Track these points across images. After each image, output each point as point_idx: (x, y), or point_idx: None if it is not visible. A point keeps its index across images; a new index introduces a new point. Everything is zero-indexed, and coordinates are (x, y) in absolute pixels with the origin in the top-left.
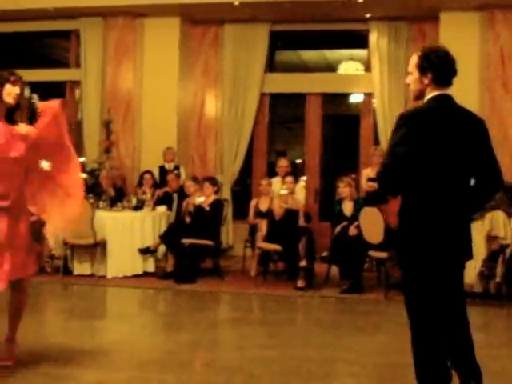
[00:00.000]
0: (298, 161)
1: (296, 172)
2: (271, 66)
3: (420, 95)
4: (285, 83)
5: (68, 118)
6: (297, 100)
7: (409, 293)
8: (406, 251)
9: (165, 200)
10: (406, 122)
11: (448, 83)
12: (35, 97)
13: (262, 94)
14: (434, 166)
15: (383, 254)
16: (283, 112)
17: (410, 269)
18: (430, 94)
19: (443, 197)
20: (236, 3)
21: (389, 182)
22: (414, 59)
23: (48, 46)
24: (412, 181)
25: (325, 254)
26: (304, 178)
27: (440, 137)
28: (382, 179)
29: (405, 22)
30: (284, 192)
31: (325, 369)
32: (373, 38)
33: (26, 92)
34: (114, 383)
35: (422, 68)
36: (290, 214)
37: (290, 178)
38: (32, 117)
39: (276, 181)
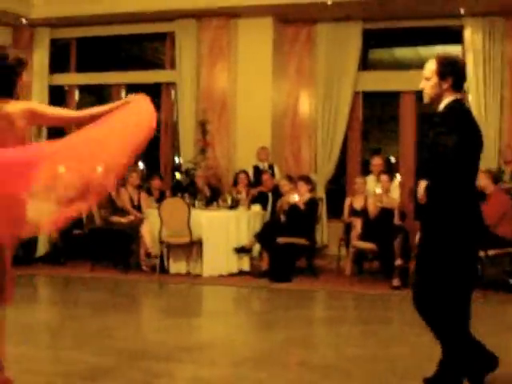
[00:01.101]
0: (393, 159)
1: (390, 170)
2: (364, 64)
3: (436, 99)
4: (378, 81)
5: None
6: (390, 98)
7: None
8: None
9: (260, 199)
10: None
11: (462, 89)
12: None
13: (356, 93)
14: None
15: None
16: (377, 110)
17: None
18: (448, 98)
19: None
20: (329, 2)
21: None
22: (431, 65)
23: (144, 49)
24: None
25: None
26: (398, 176)
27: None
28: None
29: (500, 18)
30: (379, 191)
31: (421, 368)
32: (467, 34)
33: None
34: (210, 380)
35: (442, 73)
36: (385, 213)
37: (384, 177)
38: None
39: (370, 179)
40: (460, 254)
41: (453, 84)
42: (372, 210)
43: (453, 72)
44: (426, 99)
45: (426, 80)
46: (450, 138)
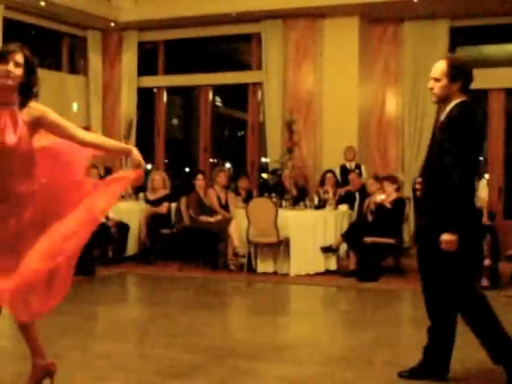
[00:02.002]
0: (481, 158)
1: (479, 169)
2: None
3: (444, 100)
4: None
5: None
6: (479, 96)
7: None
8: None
9: (346, 199)
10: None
11: (470, 91)
12: None
13: None
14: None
15: None
16: None
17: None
18: (457, 99)
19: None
20: (415, 0)
21: None
22: (441, 66)
23: (231, 50)
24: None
25: (510, 252)
26: (487, 175)
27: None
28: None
29: None
30: None
31: None
32: None
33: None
34: (297, 378)
35: (453, 76)
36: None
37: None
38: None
39: None
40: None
41: (462, 86)
42: None
43: (463, 75)
44: (434, 99)
45: (436, 81)
46: (456, 147)
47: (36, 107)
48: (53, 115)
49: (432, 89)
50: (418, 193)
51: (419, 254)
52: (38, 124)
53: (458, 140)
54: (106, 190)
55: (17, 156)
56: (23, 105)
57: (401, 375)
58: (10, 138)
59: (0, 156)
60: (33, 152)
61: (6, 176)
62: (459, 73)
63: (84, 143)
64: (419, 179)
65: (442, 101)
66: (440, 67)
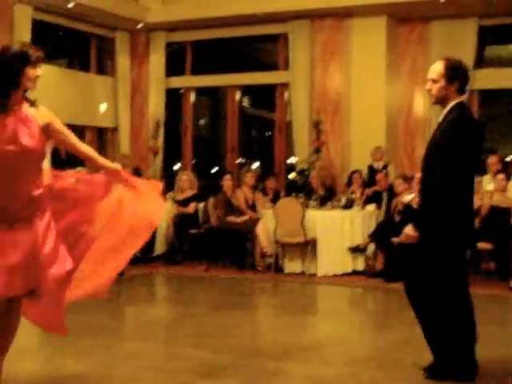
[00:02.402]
0: (509, 158)
1: (506, 169)
2: (480, 61)
3: (442, 101)
4: (494, 79)
5: None
6: (507, 96)
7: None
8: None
9: (374, 199)
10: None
11: (465, 92)
12: None
13: (471, 91)
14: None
15: None
16: (493, 108)
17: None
18: (454, 100)
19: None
20: (441, 0)
21: None
22: (439, 67)
23: (258, 50)
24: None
25: None
26: None
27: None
28: None
29: None
30: (491, 188)
31: None
32: None
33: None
34: (324, 378)
35: (450, 77)
36: (501, 213)
37: (500, 176)
38: None
39: (487, 178)
40: (451, 250)
41: (458, 88)
42: (484, 207)
43: (459, 76)
44: (433, 100)
45: (434, 82)
46: (455, 148)
47: (47, 113)
48: (59, 122)
49: (430, 90)
50: (417, 187)
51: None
52: (47, 130)
53: (457, 141)
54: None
55: (35, 157)
56: (32, 105)
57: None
58: (28, 141)
59: (21, 158)
60: (45, 154)
61: (27, 178)
62: (456, 74)
63: (79, 152)
64: (418, 175)
65: (440, 102)
66: (437, 69)
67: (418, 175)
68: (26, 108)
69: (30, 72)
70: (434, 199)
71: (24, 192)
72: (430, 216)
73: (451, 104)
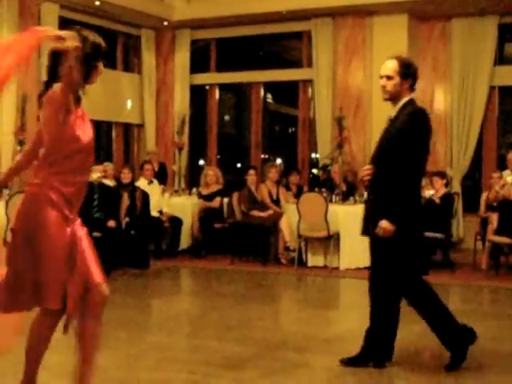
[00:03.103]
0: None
1: None
2: (500, 58)
3: (395, 98)
4: None
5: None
6: None
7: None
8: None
9: None
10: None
11: (415, 90)
12: None
13: (491, 87)
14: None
15: None
16: None
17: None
18: (406, 97)
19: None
20: None
21: None
22: (393, 64)
23: (281, 47)
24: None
25: None
26: None
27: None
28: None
29: None
30: (511, 179)
31: None
32: None
33: None
34: (347, 370)
35: (404, 74)
36: None
37: None
38: None
39: (506, 174)
40: (408, 240)
41: (411, 85)
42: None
43: (412, 74)
44: (387, 96)
45: (388, 79)
46: (418, 140)
47: None
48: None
49: (384, 86)
50: (366, 179)
51: (372, 241)
52: None
53: (419, 133)
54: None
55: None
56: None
57: (341, 362)
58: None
59: (88, 153)
60: None
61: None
62: (409, 71)
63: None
64: (368, 166)
65: (393, 98)
66: (392, 66)
67: (368, 167)
68: None
69: (100, 66)
70: (400, 190)
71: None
72: (389, 207)
73: (404, 100)
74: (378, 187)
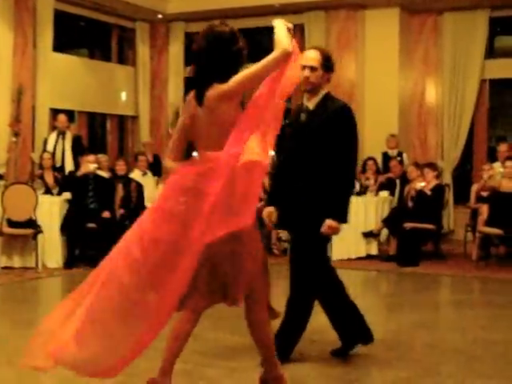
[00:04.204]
0: None
1: None
2: (491, 51)
3: (314, 89)
4: (505, 69)
5: None
6: None
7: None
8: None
9: (388, 185)
10: None
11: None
12: None
13: (482, 80)
14: None
15: None
16: (504, 97)
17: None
18: (324, 90)
19: None
20: None
21: None
22: (316, 55)
23: (274, 40)
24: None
25: None
26: None
27: None
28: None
29: None
30: (501, 170)
31: None
32: None
33: None
34: (340, 359)
35: (327, 67)
36: (510, 198)
37: (510, 163)
38: None
39: (497, 166)
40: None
41: (329, 78)
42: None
43: (332, 66)
44: (308, 87)
45: (313, 70)
46: (348, 140)
47: None
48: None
49: (308, 77)
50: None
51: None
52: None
53: (348, 133)
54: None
55: None
56: None
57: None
58: None
59: None
60: None
61: None
62: (330, 64)
63: None
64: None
65: (313, 90)
66: (316, 57)
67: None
68: None
69: None
70: (340, 186)
71: None
72: (335, 204)
73: (323, 93)
74: (310, 183)
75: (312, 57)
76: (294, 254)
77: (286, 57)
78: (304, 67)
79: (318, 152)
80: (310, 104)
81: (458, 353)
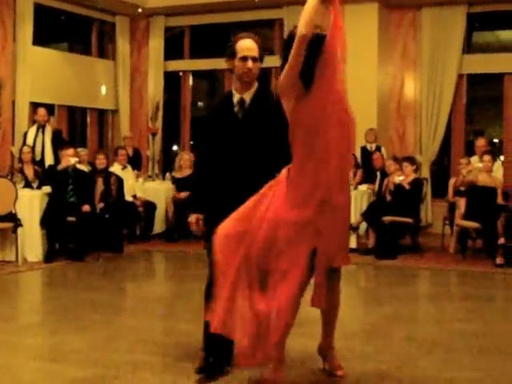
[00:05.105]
0: (496, 140)
1: (494, 151)
2: (468, 47)
3: (253, 81)
4: (482, 64)
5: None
6: (494, 80)
7: None
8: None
9: (366, 179)
10: None
11: None
12: None
13: (460, 75)
14: None
15: None
16: (481, 92)
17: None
18: (256, 82)
19: None
20: None
21: None
22: (255, 45)
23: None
24: None
25: None
26: (502, 157)
27: None
28: None
29: None
30: (479, 165)
31: None
32: None
33: None
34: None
35: (262, 57)
36: (488, 192)
37: (487, 157)
38: None
39: (475, 160)
40: None
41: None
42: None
43: (263, 57)
44: (250, 80)
45: (255, 61)
46: (285, 135)
47: None
48: None
49: (251, 69)
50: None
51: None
52: None
53: (285, 126)
54: None
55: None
56: None
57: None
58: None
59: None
60: None
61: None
62: (263, 54)
63: None
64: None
65: (252, 82)
66: (255, 47)
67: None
68: None
69: None
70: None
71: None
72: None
73: (256, 85)
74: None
75: (253, 47)
76: None
77: (301, 40)
78: (246, 58)
79: (259, 149)
80: (246, 96)
81: (436, 345)
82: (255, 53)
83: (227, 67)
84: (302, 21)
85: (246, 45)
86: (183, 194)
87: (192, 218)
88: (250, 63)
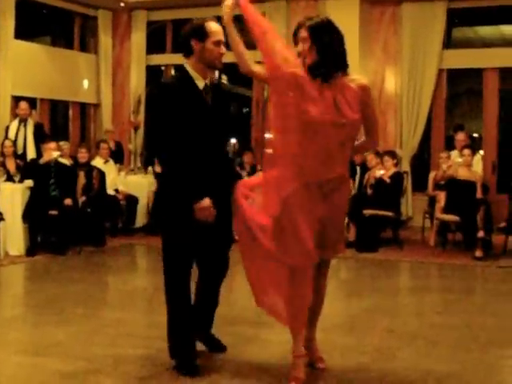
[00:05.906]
0: (476, 134)
1: (473, 145)
2: (448, 42)
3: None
4: (462, 59)
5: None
6: (474, 75)
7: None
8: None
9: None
10: None
11: None
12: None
13: (440, 70)
14: None
15: None
16: (461, 87)
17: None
18: None
19: None
20: None
21: None
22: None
23: (237, 30)
24: None
25: (502, 224)
26: (481, 151)
27: None
28: None
29: None
30: (459, 160)
31: (503, 336)
32: None
33: None
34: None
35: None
36: (467, 186)
37: (467, 151)
38: None
39: (455, 154)
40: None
41: None
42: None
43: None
44: (221, 66)
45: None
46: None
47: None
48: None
49: (222, 54)
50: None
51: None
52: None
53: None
54: None
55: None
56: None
57: None
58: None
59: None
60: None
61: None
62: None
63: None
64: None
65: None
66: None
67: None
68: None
69: None
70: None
71: (338, 167)
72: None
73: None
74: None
75: (222, 31)
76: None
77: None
78: (219, 42)
79: (226, 134)
80: (210, 82)
81: (416, 338)
82: (224, 37)
83: (188, 48)
84: (240, 65)
85: (218, 29)
86: None
87: (206, 201)
88: (223, 48)
